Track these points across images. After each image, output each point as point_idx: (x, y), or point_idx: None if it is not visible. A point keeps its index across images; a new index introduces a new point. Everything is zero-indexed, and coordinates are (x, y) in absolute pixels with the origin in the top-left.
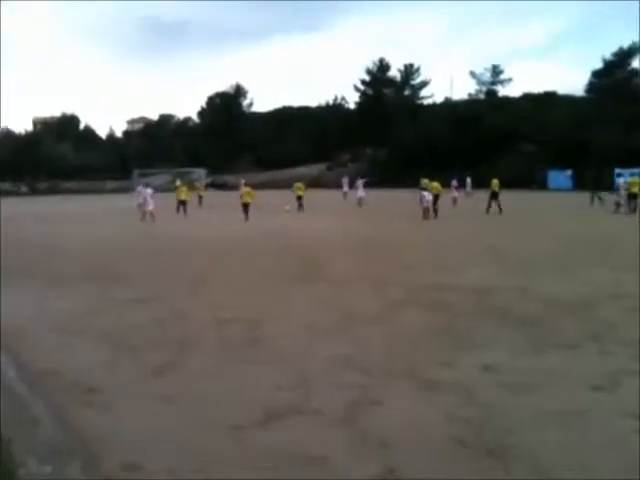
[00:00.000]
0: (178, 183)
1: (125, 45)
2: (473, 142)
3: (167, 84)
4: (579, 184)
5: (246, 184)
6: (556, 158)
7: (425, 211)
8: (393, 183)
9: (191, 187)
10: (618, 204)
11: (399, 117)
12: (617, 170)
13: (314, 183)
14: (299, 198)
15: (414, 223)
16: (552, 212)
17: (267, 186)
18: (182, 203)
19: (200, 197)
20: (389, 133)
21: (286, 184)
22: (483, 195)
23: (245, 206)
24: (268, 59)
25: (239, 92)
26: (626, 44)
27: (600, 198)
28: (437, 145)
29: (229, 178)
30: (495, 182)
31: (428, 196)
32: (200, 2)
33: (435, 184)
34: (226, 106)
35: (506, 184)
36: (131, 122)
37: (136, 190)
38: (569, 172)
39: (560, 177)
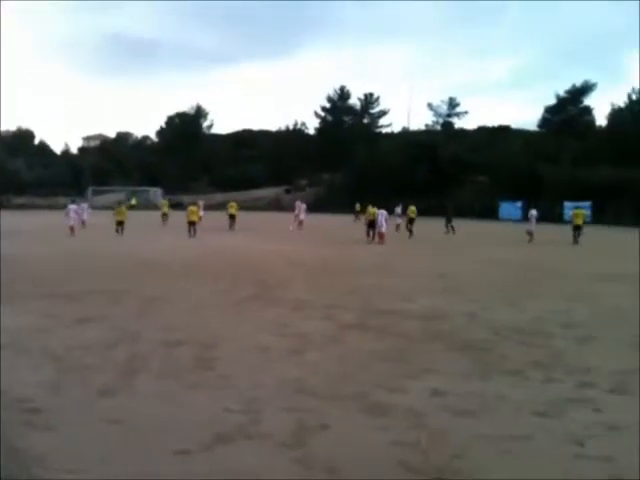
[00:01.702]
0: (133, 201)
1: (85, 60)
2: (428, 171)
3: (126, 102)
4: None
5: (194, 204)
6: (508, 189)
7: (373, 235)
8: (348, 208)
9: (128, 207)
10: (530, 234)
11: (357, 144)
12: (566, 203)
13: (273, 206)
14: (232, 217)
15: (353, 245)
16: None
17: (225, 207)
18: (120, 224)
19: (165, 215)
20: (347, 160)
21: (243, 206)
22: (429, 222)
23: (191, 224)
24: (231, 82)
25: (199, 113)
26: (579, 82)
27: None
28: (393, 173)
29: (185, 198)
30: (412, 209)
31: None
32: (165, 22)
33: (372, 210)
34: (186, 126)
35: (459, 213)
36: (87, 139)
37: (67, 208)
38: (519, 203)
39: (511, 208)
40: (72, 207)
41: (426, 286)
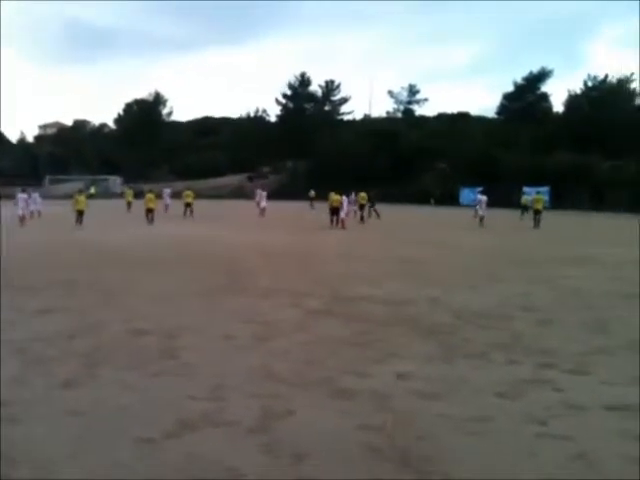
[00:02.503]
0: (92, 190)
1: (40, 47)
2: (390, 158)
3: (83, 89)
4: (490, 201)
5: (150, 191)
6: (468, 176)
7: (336, 221)
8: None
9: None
10: (478, 216)
11: (319, 131)
12: (525, 188)
13: (235, 194)
14: (188, 205)
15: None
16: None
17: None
18: (80, 214)
19: (129, 203)
20: (309, 147)
21: (206, 194)
22: (390, 209)
23: (149, 211)
24: (190, 69)
25: (158, 100)
26: (536, 69)
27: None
28: (355, 160)
29: (146, 187)
30: (362, 195)
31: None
32: (123, 7)
33: (336, 197)
34: (144, 113)
35: (419, 200)
36: (43, 127)
37: (17, 197)
38: (480, 189)
39: (472, 194)
40: (22, 196)
41: (390, 271)
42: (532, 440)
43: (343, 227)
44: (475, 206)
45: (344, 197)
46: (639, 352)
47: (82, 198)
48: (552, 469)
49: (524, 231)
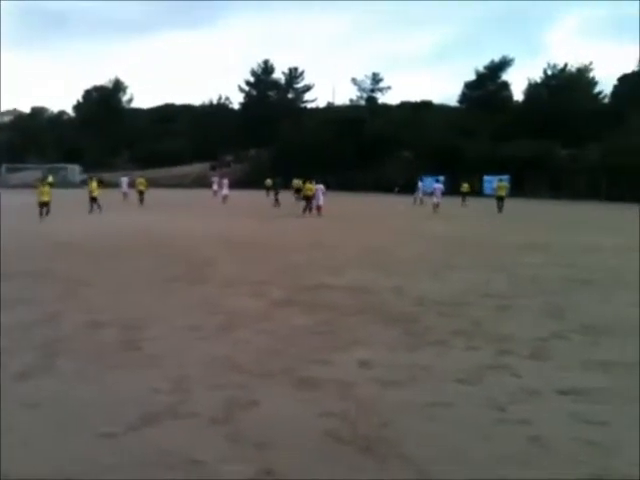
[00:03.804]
0: (51, 180)
1: None
2: (353, 146)
3: (41, 75)
4: (452, 189)
5: (44, 183)
6: (430, 164)
7: (310, 209)
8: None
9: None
10: (420, 200)
11: (282, 120)
12: (486, 177)
13: (198, 183)
14: (140, 193)
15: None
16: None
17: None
18: (44, 205)
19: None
20: (272, 135)
21: (168, 183)
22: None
23: (92, 200)
24: (150, 55)
25: (118, 87)
26: (497, 58)
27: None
28: (319, 148)
29: (106, 175)
30: (308, 186)
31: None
32: None
33: (310, 186)
34: (104, 100)
35: (382, 188)
36: (0, 114)
37: None
38: (442, 178)
39: (433, 182)
40: None
41: (352, 260)
42: (491, 424)
43: (319, 213)
44: (415, 192)
45: (318, 186)
46: (591, 336)
47: (46, 189)
48: (509, 452)
49: (483, 219)
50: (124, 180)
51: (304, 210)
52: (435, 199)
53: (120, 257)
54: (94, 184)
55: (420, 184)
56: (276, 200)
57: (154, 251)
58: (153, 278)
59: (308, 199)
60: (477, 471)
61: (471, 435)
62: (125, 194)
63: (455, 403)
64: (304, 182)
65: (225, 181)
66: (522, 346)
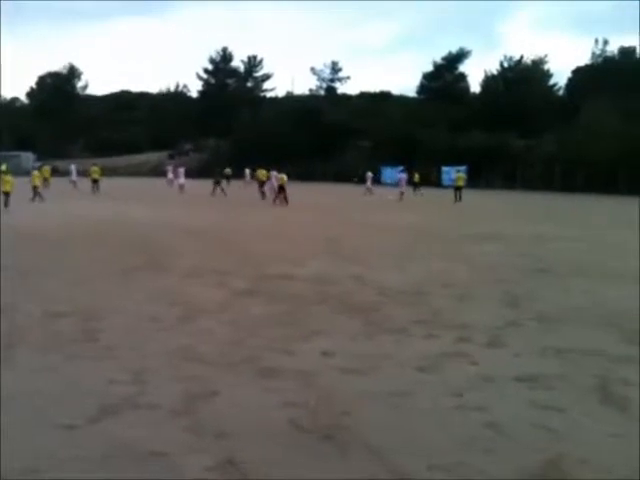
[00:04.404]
0: (4, 168)
1: None
2: (312, 136)
3: None
4: (410, 180)
5: (7, 172)
6: (389, 155)
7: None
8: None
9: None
10: (369, 191)
11: (241, 109)
12: (444, 167)
13: (156, 172)
14: (94, 182)
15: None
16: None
17: (105, 173)
18: (6, 195)
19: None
20: (231, 124)
21: (125, 171)
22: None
23: (35, 189)
24: (105, 41)
25: (73, 73)
26: (455, 49)
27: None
28: (278, 138)
29: (60, 163)
30: (263, 172)
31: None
32: None
33: (282, 176)
34: (58, 87)
35: (341, 178)
36: None
37: None
38: (400, 168)
39: (393, 173)
40: None
41: (313, 250)
42: (449, 411)
43: (287, 203)
44: (366, 184)
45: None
46: (546, 324)
47: (9, 178)
48: (467, 438)
49: (441, 209)
50: (73, 168)
51: (274, 200)
52: (399, 188)
53: (77, 247)
54: (35, 172)
55: (369, 174)
56: (214, 190)
57: (110, 241)
58: (111, 268)
59: (281, 188)
60: (436, 457)
61: (430, 422)
62: (74, 182)
63: (415, 391)
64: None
65: (181, 170)
66: (480, 334)
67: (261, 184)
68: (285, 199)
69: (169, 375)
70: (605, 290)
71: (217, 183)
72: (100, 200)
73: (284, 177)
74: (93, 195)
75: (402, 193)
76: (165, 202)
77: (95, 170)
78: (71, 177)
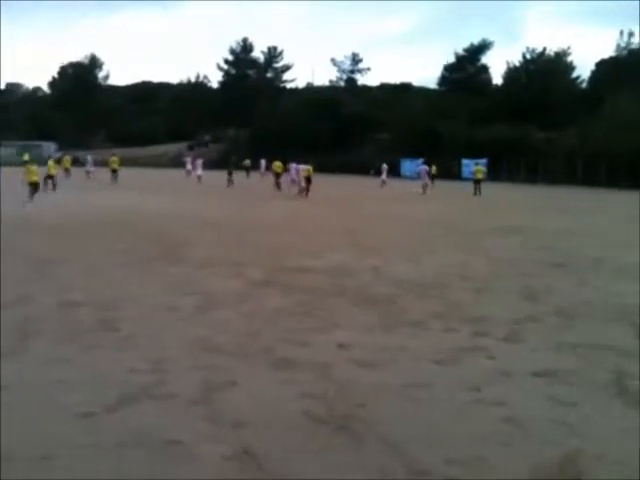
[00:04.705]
0: (27, 157)
1: None
2: (332, 128)
3: (15, 51)
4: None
5: (32, 161)
6: (409, 147)
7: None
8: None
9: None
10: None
11: (261, 99)
12: (464, 160)
13: (175, 162)
14: (114, 171)
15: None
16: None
17: (125, 164)
18: (34, 185)
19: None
20: (251, 115)
21: (144, 162)
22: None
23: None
24: (126, 31)
25: (94, 63)
26: (477, 41)
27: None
28: (297, 129)
29: (81, 154)
30: (278, 164)
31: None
32: None
33: (309, 168)
34: (80, 77)
35: (359, 170)
36: None
37: None
38: (420, 161)
39: (412, 165)
40: None
41: (331, 242)
42: (467, 405)
43: (306, 195)
44: (381, 176)
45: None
46: (564, 319)
47: (34, 167)
48: (484, 432)
49: (460, 202)
50: (89, 158)
51: (299, 192)
52: (422, 180)
53: (96, 237)
54: (50, 162)
55: (384, 167)
56: (229, 181)
57: (128, 231)
58: (129, 258)
59: (308, 180)
60: (453, 450)
61: (447, 415)
62: (88, 172)
63: (432, 384)
64: (285, 164)
65: (199, 161)
66: (497, 328)
67: (277, 176)
68: (307, 190)
69: (187, 364)
70: (625, 286)
71: (230, 174)
72: (118, 190)
73: (310, 169)
74: (111, 185)
75: (426, 185)
76: (183, 193)
77: (114, 160)
78: (87, 167)
